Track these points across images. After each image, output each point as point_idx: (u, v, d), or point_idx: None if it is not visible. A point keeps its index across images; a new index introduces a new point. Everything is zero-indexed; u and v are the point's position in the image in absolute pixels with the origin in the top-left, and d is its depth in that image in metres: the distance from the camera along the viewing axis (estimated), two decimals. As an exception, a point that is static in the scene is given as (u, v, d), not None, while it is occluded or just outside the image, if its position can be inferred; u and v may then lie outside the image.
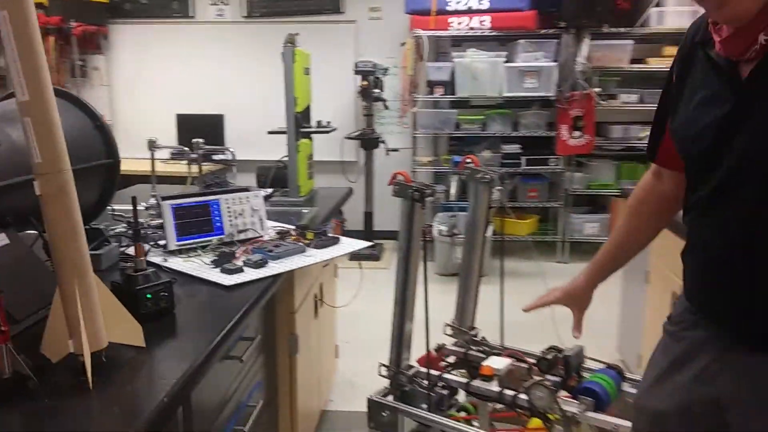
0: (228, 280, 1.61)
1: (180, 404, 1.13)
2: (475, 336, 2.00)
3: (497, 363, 1.75)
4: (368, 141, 4.86)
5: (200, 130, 4.81)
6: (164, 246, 1.84)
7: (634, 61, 4.79)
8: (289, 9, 5.29)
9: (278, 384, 1.94)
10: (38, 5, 4.05)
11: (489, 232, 2.17)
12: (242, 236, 1.93)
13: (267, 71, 5.12)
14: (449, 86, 4.84)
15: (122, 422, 0.99)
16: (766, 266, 0.96)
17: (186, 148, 2.43)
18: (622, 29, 4.73)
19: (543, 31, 4.76)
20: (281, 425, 1.97)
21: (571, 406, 1.55)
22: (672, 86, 1.15)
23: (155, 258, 1.76)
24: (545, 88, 4.72)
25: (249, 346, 1.57)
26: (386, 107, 4.95)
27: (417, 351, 1.91)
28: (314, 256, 1.87)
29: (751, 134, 0.94)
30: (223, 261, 1.72)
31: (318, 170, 2.98)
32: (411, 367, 1.81)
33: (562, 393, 1.64)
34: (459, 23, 4.78)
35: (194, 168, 2.68)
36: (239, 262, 1.72)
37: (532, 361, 1.76)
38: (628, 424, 1.49)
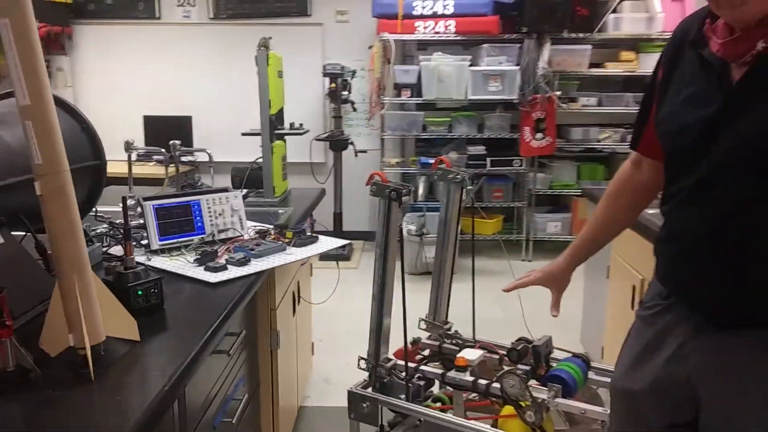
0: (213, 277, 1.66)
1: (177, 394, 1.18)
2: (449, 330, 2.08)
3: (471, 354, 1.83)
4: (337, 142, 4.93)
5: (168, 132, 4.81)
6: (147, 245, 1.88)
7: (592, 65, 4.96)
8: (257, 11, 5.32)
9: (260, 379, 2.00)
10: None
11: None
12: (223, 235, 1.98)
13: (235, 73, 5.16)
14: (416, 89, 4.94)
15: (126, 411, 1.05)
16: (740, 254, 1.06)
17: (163, 150, 2.45)
18: (581, 35, 4.90)
19: (506, 36, 4.90)
20: (263, 419, 2.02)
21: (541, 393, 1.64)
22: (657, 81, 1.23)
23: (139, 257, 1.79)
24: (509, 91, 4.86)
25: (235, 340, 1.63)
26: (354, 109, 5.02)
27: (392, 346, 1.99)
28: (294, 254, 1.93)
29: (739, 133, 1.02)
30: (206, 259, 1.77)
31: (288, 171, 3.03)
32: (389, 359, 1.88)
33: (533, 381, 1.73)
34: (425, 27, 4.88)
35: (165, 169, 2.72)
36: (222, 261, 1.77)
37: (503, 352, 1.85)
38: (595, 408, 1.59)
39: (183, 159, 2.82)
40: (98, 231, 1.90)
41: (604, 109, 4.99)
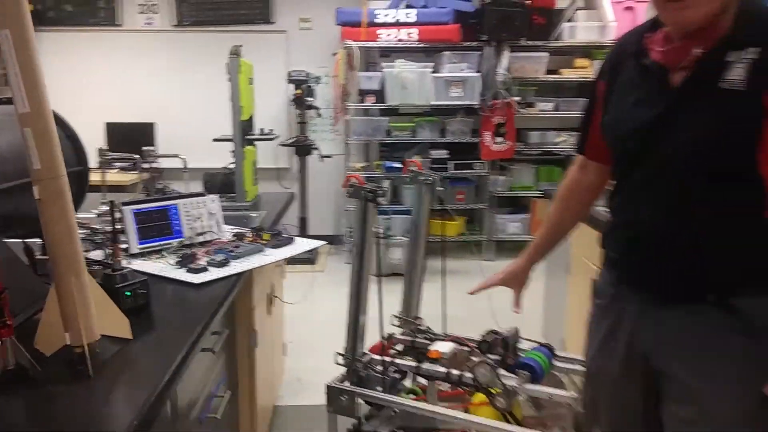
0: (196, 278, 1.72)
1: (172, 389, 1.24)
2: (420, 325, 2.17)
3: (443, 347, 1.93)
4: (302, 148, 4.99)
5: (131, 139, 4.81)
6: (126, 250, 1.92)
7: (549, 71, 5.15)
8: (220, 18, 5.35)
9: (238, 377, 2.05)
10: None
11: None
12: (201, 238, 2.03)
13: (199, 79, 5.18)
14: (380, 95, 5.04)
15: (127, 404, 1.10)
16: (685, 240, 1.20)
17: (137, 156, 2.48)
18: (538, 42, 5.09)
19: (466, 44, 5.05)
20: (242, 416, 2.08)
21: (511, 380, 1.74)
22: (599, 90, 1.38)
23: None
24: (469, 97, 5.01)
25: (218, 339, 1.69)
26: (319, 115, 5.09)
27: (366, 342, 2.07)
28: (272, 255, 2.00)
29: (681, 132, 1.16)
30: (187, 262, 1.82)
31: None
32: (365, 354, 1.96)
33: (502, 370, 1.83)
34: (388, 35, 4.99)
35: (133, 176, 2.74)
36: (203, 262, 1.83)
37: (473, 344, 1.96)
38: (561, 392, 1.71)
39: (144, 165, 2.85)
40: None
41: (560, 113, 5.18)
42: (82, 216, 2.01)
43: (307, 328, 3.58)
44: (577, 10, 5.09)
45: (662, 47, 1.19)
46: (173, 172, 3.03)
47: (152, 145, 5.20)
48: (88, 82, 5.34)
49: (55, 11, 5.30)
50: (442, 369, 1.85)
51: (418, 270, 2.18)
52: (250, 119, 2.91)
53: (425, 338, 2.11)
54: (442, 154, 5.18)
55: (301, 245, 2.13)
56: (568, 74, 5.11)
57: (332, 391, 1.88)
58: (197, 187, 2.79)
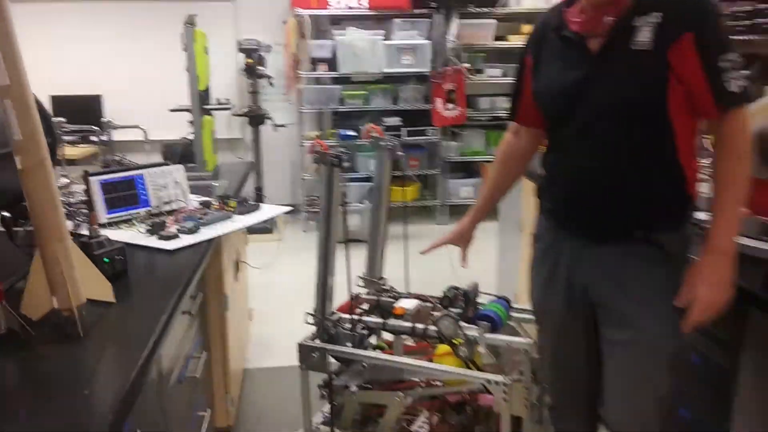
0: (169, 245, 1.77)
1: (159, 348, 1.30)
2: (385, 285, 2.28)
3: (407, 304, 2.03)
4: (255, 117, 4.97)
5: (77, 111, 4.66)
6: (94, 220, 1.94)
7: (497, 38, 5.26)
8: (167, -14, 5.21)
9: (211, 340, 2.12)
10: None
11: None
12: (168, 207, 2.07)
13: (145, 50, 5.08)
14: (332, 63, 5.05)
15: (122, 360, 1.16)
16: (611, 184, 1.37)
17: (96, 128, 2.47)
18: (486, 9, 5.18)
19: (416, 11, 5.09)
20: (215, 377, 2.15)
21: (473, 331, 1.87)
22: (527, 64, 1.54)
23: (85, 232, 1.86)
24: (421, 64, 5.08)
25: (193, 303, 1.75)
26: (271, 84, 5.06)
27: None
28: (240, 221, 2.06)
29: (602, 90, 1.34)
30: (157, 229, 1.87)
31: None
32: (334, 313, 2.05)
33: (463, 322, 1.95)
34: (338, 2, 4.99)
35: (84, 149, 2.72)
36: (173, 230, 1.87)
37: (435, 300, 2.07)
38: (518, 339, 1.84)
39: (104, 138, 2.84)
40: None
41: (508, 79, 5.30)
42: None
43: (268, 296, 3.66)
44: (523, -23, 5.20)
45: (579, 19, 1.36)
46: (127, 144, 3.02)
47: (101, 117, 5.10)
48: (31, 54, 5.10)
49: (-10, -21, 5.06)
50: (407, 324, 1.96)
51: (380, 233, 2.27)
52: (207, 89, 2.91)
53: (390, 297, 2.22)
54: (396, 121, 5.26)
55: (267, 212, 2.19)
56: (515, 41, 5.23)
57: (304, 349, 1.97)
58: (156, 158, 2.80)
